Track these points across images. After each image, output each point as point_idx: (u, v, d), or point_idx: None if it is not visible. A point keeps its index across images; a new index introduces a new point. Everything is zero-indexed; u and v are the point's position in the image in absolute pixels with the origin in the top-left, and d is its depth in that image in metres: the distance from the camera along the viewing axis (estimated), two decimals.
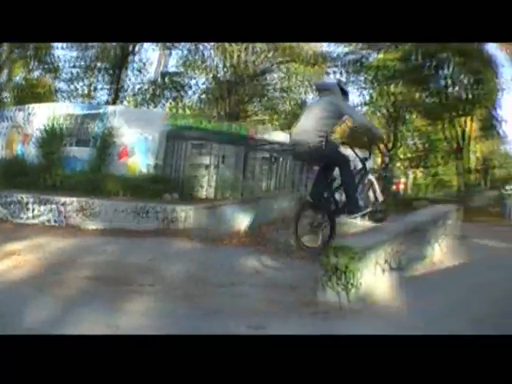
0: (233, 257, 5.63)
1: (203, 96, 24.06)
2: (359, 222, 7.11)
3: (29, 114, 12.22)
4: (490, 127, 20.40)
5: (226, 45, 19.82)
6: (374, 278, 4.18)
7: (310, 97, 25.21)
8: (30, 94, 19.80)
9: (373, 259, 4.18)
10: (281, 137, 14.63)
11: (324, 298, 3.98)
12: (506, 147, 39.94)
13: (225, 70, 21.30)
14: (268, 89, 23.70)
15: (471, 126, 21.30)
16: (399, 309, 3.91)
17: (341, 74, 23.14)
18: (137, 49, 21.65)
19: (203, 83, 23.48)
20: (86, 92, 22.97)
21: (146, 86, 23.01)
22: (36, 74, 22.08)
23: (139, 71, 23.01)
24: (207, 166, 12.86)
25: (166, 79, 22.73)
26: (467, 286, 4.57)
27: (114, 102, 19.13)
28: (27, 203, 7.03)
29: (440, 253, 5.88)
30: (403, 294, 4.24)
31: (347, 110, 4.26)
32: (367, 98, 24.32)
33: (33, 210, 7.03)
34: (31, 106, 12.72)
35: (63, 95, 22.61)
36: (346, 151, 4.53)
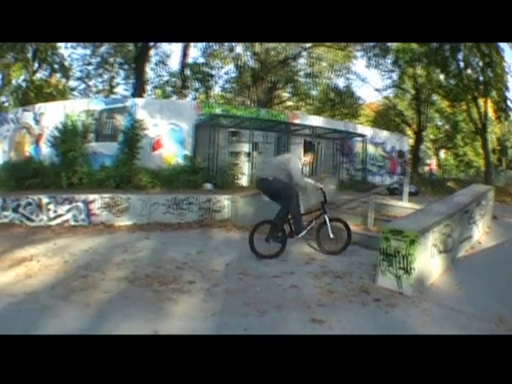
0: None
1: (228, 85, 23.89)
2: (400, 204, 7.42)
3: (41, 113, 11.71)
4: (503, 109, 20.30)
5: None
6: (431, 261, 4.14)
7: (341, 81, 24.42)
8: (37, 94, 19.41)
9: (430, 241, 4.09)
10: (318, 121, 14.29)
11: (383, 283, 3.95)
12: None
13: (247, 57, 20.64)
14: (299, 74, 23.09)
15: (489, 107, 20.93)
16: (455, 293, 3.84)
17: (369, 58, 22.79)
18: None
19: (226, 72, 23.36)
20: (103, 87, 23.07)
21: (173, 78, 22.87)
22: (42, 74, 22.06)
23: (163, 63, 22.96)
24: (247, 154, 12.27)
25: (193, 70, 22.30)
26: None
27: (139, 95, 18.33)
28: (47, 204, 6.64)
29: (482, 233, 6.09)
30: (456, 277, 4.25)
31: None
32: (395, 80, 24.36)
33: (55, 211, 6.65)
34: (41, 105, 12.23)
35: (79, 92, 22.85)
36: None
